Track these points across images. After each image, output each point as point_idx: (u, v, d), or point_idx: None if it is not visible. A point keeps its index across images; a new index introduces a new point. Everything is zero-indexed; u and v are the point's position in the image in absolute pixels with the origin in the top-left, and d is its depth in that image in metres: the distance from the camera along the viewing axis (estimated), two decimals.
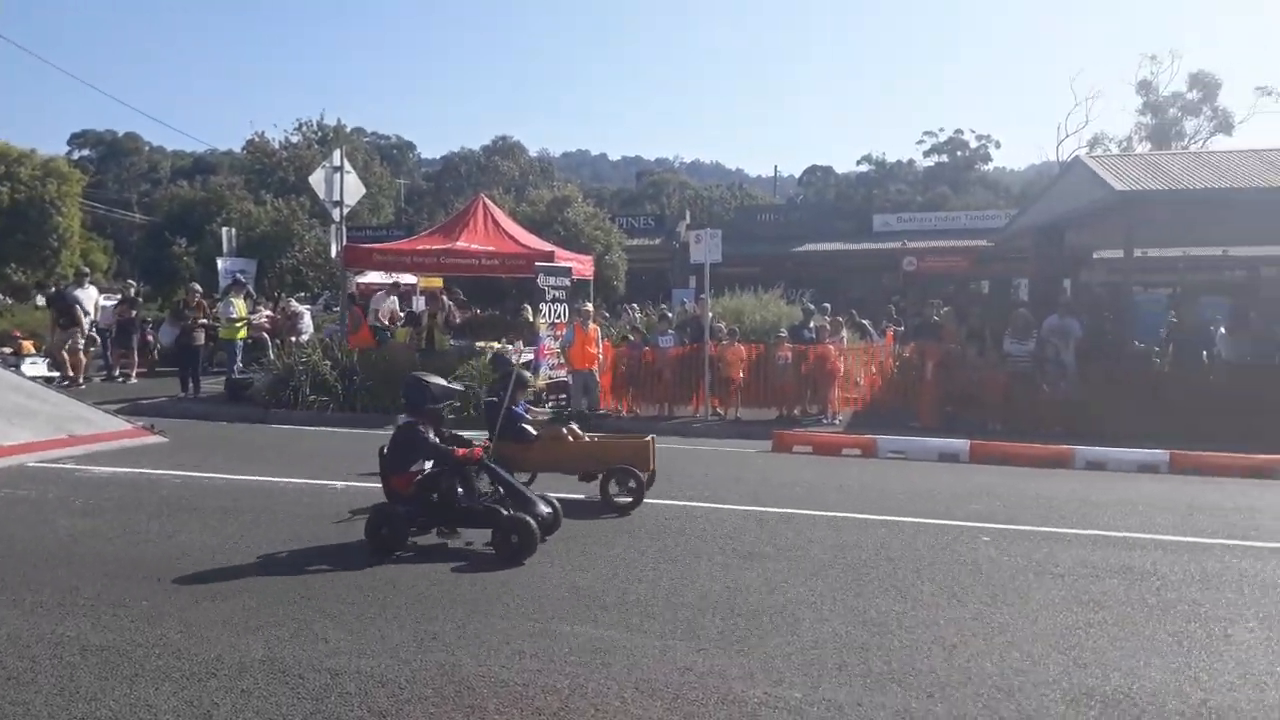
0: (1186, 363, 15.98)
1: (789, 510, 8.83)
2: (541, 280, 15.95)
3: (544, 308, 15.95)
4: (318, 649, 5.21)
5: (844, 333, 17.86)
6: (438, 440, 7.30)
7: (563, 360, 15.68)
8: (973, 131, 65.38)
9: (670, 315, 20.15)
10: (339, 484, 9.73)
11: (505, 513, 7.06)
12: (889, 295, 31.50)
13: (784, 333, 17.25)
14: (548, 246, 18.47)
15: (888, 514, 8.74)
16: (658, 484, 9.27)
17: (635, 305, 25.90)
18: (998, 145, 65.86)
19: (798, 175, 77.98)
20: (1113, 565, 7.20)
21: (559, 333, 15.86)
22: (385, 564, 6.84)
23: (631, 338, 17.20)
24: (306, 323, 20.62)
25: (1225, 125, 52.62)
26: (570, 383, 15.41)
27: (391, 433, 7.62)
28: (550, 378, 15.85)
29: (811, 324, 17.37)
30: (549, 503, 7.45)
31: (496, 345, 17.32)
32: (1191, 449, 12.48)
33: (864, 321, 20.63)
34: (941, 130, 65.25)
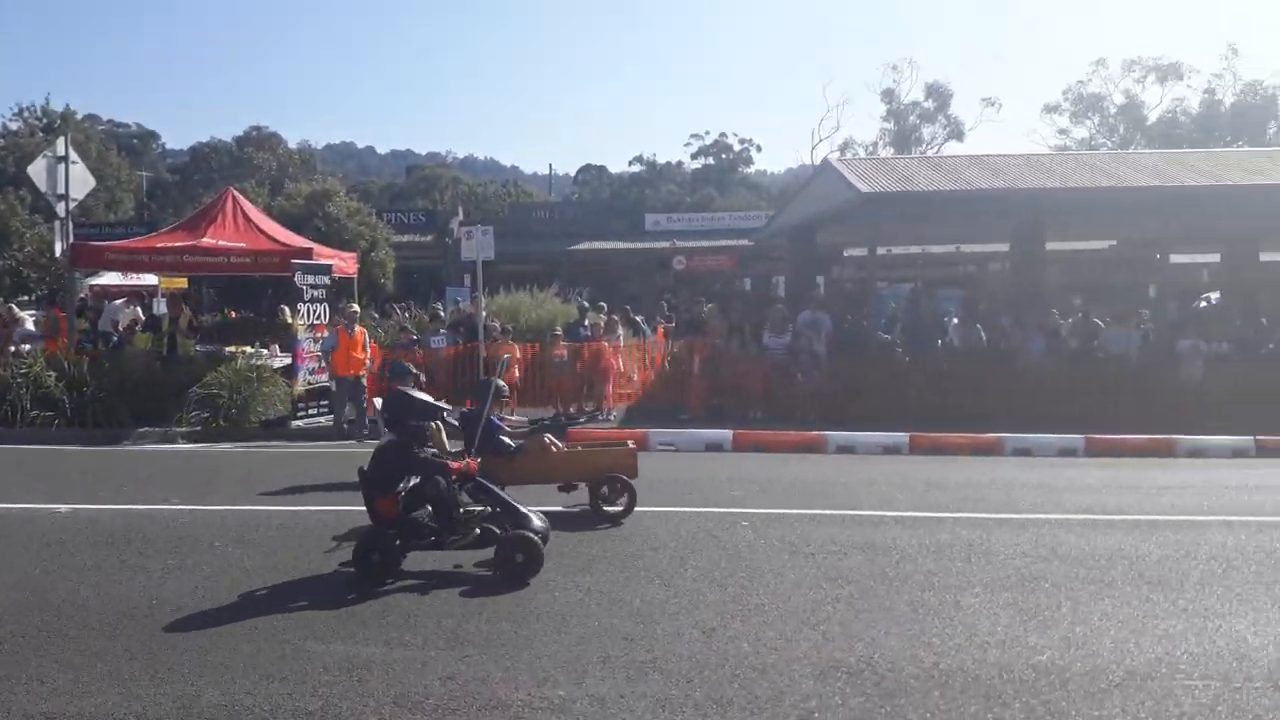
0: (923, 351, 17.40)
1: (560, 508, 8.84)
2: (299, 279, 15.10)
3: (302, 308, 15.11)
4: (33, 690, 4.65)
5: (619, 330, 18.15)
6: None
7: (324, 365, 14.95)
8: (736, 135, 68.49)
9: (443, 314, 19.71)
10: (62, 508, 8.81)
11: (504, 531, 6.69)
12: (661, 293, 32.39)
13: (559, 331, 17.30)
14: (306, 243, 17.55)
15: (656, 505, 8.93)
16: None
17: (403, 304, 25.14)
18: (759, 149, 69.47)
19: (573, 174, 78.58)
20: (858, 542, 7.70)
21: (319, 335, 15.10)
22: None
23: (400, 339, 16.65)
24: (28, 329, 18.52)
25: (957, 133, 58.08)
26: (334, 389, 14.72)
27: (372, 452, 7.00)
28: (310, 384, 15.03)
29: (586, 322, 17.52)
30: (541, 517, 7.03)
31: (249, 350, 16.27)
32: (928, 431, 13.60)
33: (638, 318, 21.07)
34: (707, 133, 68.00)
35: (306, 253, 16.30)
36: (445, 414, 7.43)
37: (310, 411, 15.05)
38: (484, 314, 16.40)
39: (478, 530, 6.74)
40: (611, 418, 16.11)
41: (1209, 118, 54.73)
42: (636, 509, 8.39)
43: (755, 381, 16.15)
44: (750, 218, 39.89)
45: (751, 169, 70.85)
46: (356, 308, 15.49)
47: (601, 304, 20.13)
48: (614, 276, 35.97)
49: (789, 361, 16.31)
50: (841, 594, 6.31)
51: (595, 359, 16.34)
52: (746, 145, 68.41)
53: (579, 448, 9.39)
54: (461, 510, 6.75)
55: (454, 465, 6.84)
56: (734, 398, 16.10)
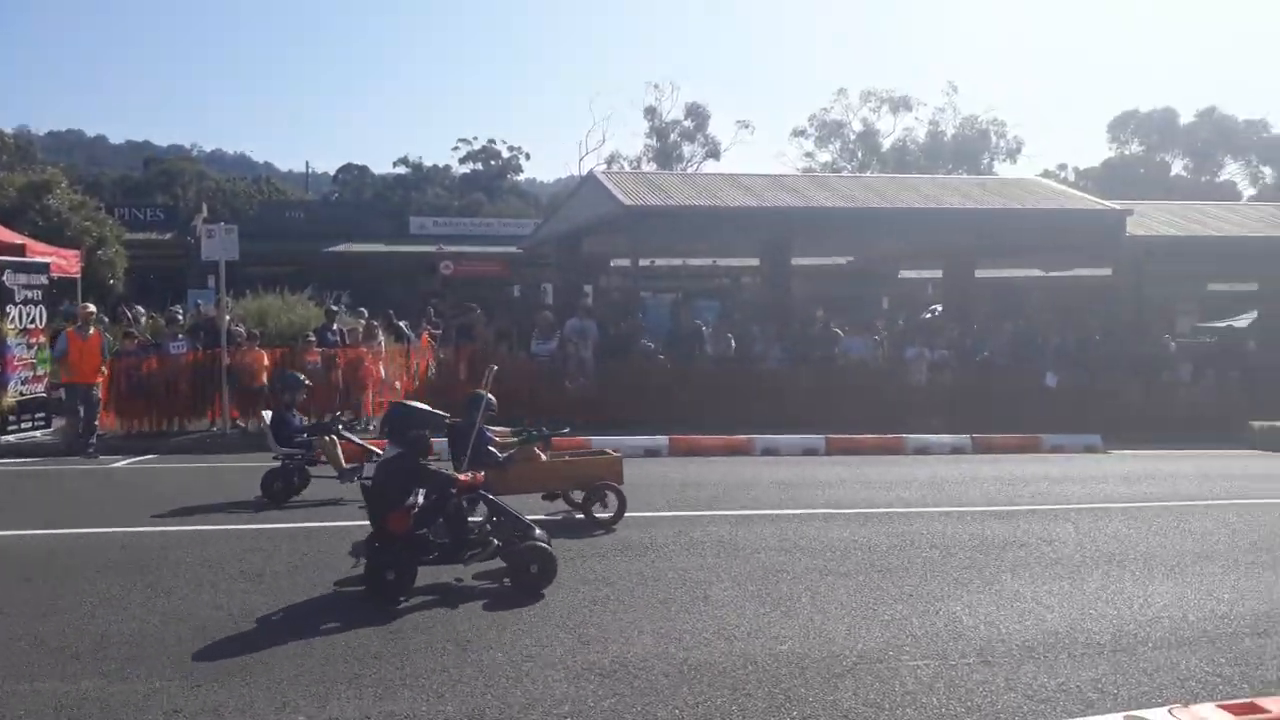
0: (682, 359, 18.01)
1: (309, 525, 8.39)
2: (9, 278, 13.47)
3: (13, 310, 13.49)
4: None
5: (380, 336, 17.51)
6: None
7: (42, 373, 13.41)
8: (505, 142, 68.16)
9: (181, 318, 18.23)
10: None
11: (512, 542, 6.52)
12: (427, 298, 31.63)
13: (312, 337, 16.46)
14: (18, 239, 15.71)
15: None
16: (140, 509, 8.30)
17: (132, 307, 22.98)
18: (528, 157, 69.41)
19: (332, 173, 75.20)
20: (616, 544, 7.83)
21: (34, 340, 13.54)
22: None
23: (124, 345, 15.18)
24: None
25: (714, 152, 60.82)
26: (64, 399, 13.24)
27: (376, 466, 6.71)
28: (21, 394, 13.43)
29: (335, 326, 16.76)
30: (540, 528, 6.89)
31: None
32: (687, 434, 14.09)
33: (401, 324, 20.42)
34: (476, 139, 67.18)
35: (20, 249, 14.62)
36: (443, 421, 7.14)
37: (24, 425, 13.47)
38: (227, 318, 15.30)
39: (497, 543, 6.55)
40: (371, 429, 15.52)
41: (934, 147, 60.58)
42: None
43: (521, 388, 16.09)
44: (519, 225, 39.82)
45: (521, 177, 70.79)
46: (91, 308, 14.03)
47: (361, 309, 19.36)
48: (377, 280, 34.72)
49: (557, 367, 16.39)
50: (599, 596, 6.37)
51: (354, 366, 15.68)
52: (516, 153, 68.28)
53: (565, 457, 9.42)
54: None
55: (462, 478, 6.62)
56: (500, 403, 15.93)
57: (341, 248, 37.71)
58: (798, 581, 6.79)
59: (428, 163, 68.73)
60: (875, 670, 5.10)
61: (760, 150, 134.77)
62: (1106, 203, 22.33)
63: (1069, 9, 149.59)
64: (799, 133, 63.22)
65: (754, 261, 24.57)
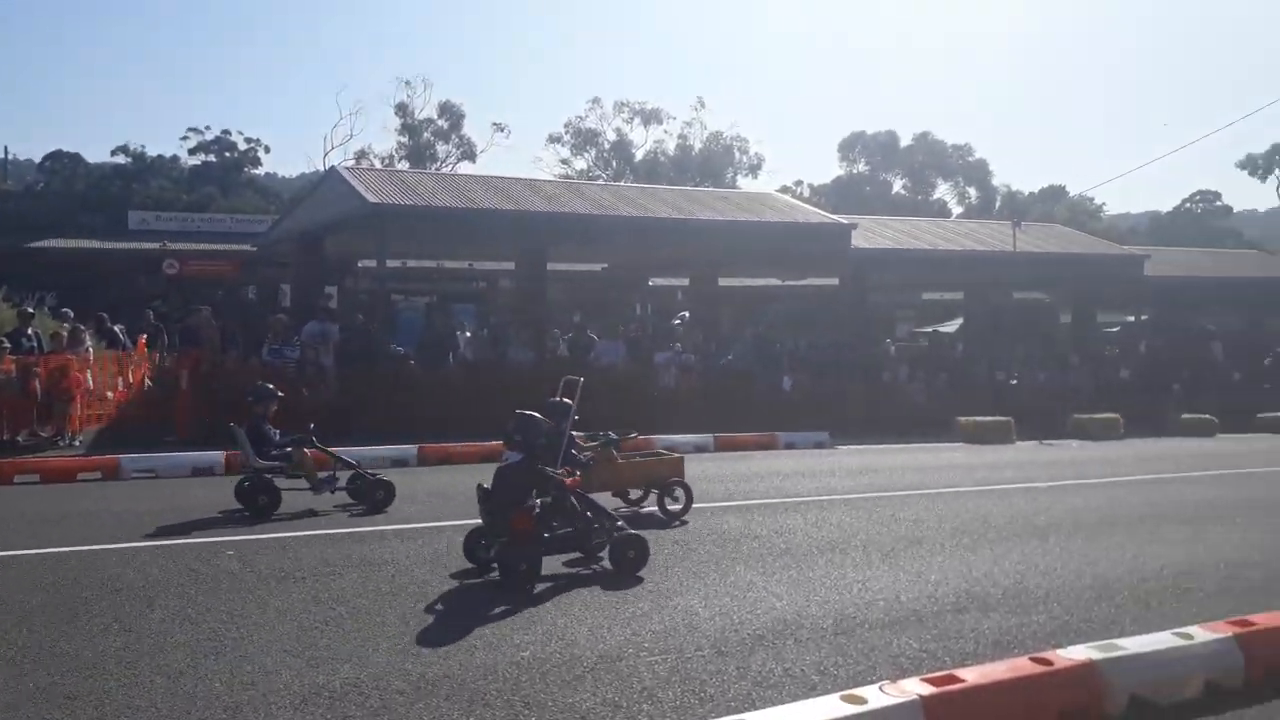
0: (435, 363, 17.58)
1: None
2: None
3: None
4: None
5: (88, 341, 15.81)
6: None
7: None
8: (241, 134, 63.86)
9: None
10: None
11: (620, 533, 7.27)
12: (149, 299, 28.96)
13: (6, 344, 14.60)
14: None
15: (117, 542, 7.82)
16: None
17: None
18: (267, 150, 65.07)
19: (38, 160, 67.39)
20: (354, 559, 7.44)
21: None
22: None
23: None
24: None
25: (469, 153, 60.06)
26: None
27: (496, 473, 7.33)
28: None
29: (31, 330, 14.96)
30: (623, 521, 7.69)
31: None
32: (438, 442, 13.71)
33: (116, 328, 18.56)
34: (208, 128, 62.41)
35: None
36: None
37: None
38: None
39: (614, 534, 7.25)
40: (78, 443, 13.98)
41: (683, 160, 63.03)
42: (82, 548, 7.46)
43: None
44: (256, 222, 37.40)
45: (260, 171, 66.52)
46: None
47: (66, 310, 17.42)
48: (91, 281, 31.41)
49: (295, 374, 15.47)
50: (332, 616, 6.01)
51: (57, 375, 14.05)
52: (254, 145, 64.04)
53: (636, 458, 10.12)
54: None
55: (570, 481, 7.55)
56: (231, 415, 14.82)
57: (48, 244, 33.86)
58: (542, 586, 6.73)
59: (152, 152, 62.96)
60: (615, 669, 5.12)
61: (518, 155, 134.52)
62: (835, 217, 24.09)
63: (806, 33, 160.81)
64: (555, 139, 63.81)
65: (509, 265, 24.43)
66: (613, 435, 9.62)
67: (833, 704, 4.03)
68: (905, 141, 73.44)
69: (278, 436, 9.96)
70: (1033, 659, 4.63)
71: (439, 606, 6.24)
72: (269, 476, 9.40)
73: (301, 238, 22.22)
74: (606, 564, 7.20)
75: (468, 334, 19.85)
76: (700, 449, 15.44)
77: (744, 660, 5.28)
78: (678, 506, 9.50)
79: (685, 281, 28.66)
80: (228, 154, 62.50)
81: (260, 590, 6.56)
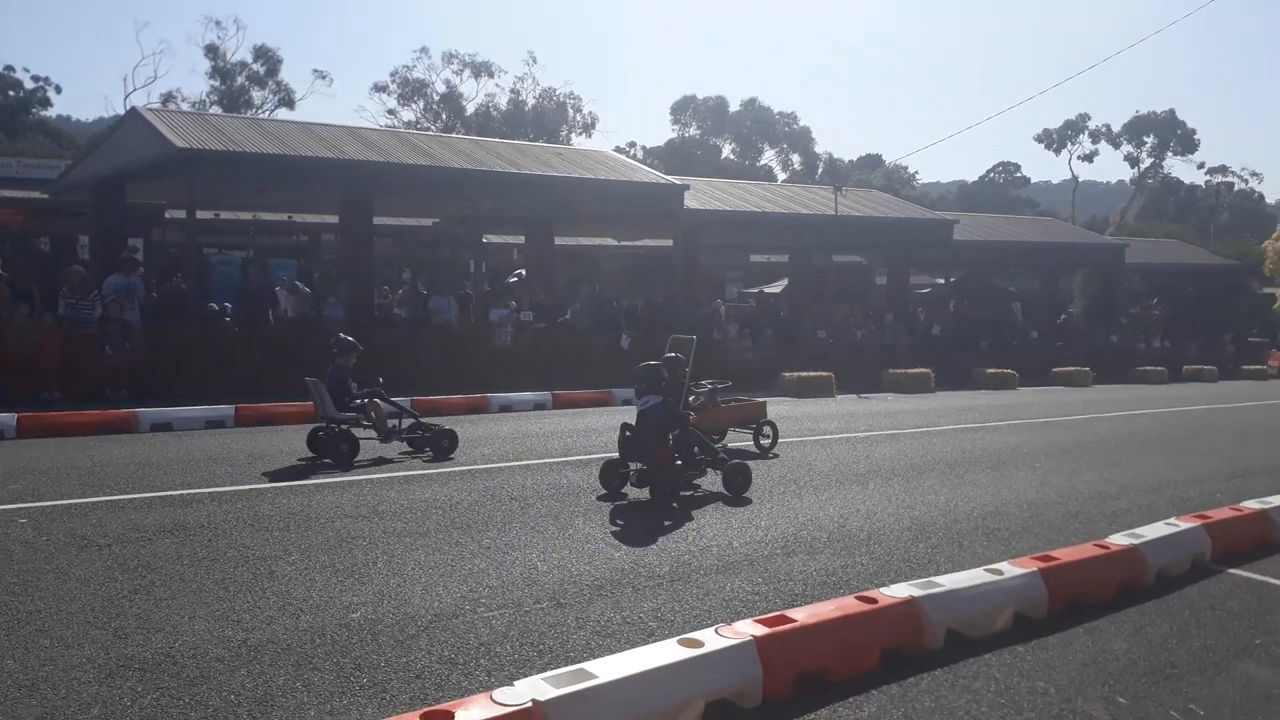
0: (254, 321, 16.63)
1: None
2: None
3: None
4: None
5: None
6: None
7: None
8: (28, 71, 58.20)
9: None
10: None
11: (731, 461, 8.82)
12: None
13: None
14: None
15: None
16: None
17: None
18: (58, 90, 59.73)
19: None
20: (166, 525, 6.95)
21: None
22: None
23: None
24: None
25: (288, 100, 56.97)
26: None
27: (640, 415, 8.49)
28: None
29: None
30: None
31: None
32: (255, 403, 13.01)
33: None
34: None
35: None
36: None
37: None
38: None
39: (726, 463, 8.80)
40: None
41: (515, 115, 62.00)
42: None
43: (51, 355, 13.83)
44: (47, 167, 34.08)
45: (51, 112, 60.83)
46: None
47: None
48: None
49: (96, 332, 14.29)
50: (141, 584, 5.58)
51: None
52: (42, 85, 58.51)
53: (731, 402, 11.80)
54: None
55: (693, 418, 8.88)
56: (23, 375, 13.58)
57: None
58: (374, 547, 6.50)
59: None
60: (451, 626, 5.00)
61: (341, 104, 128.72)
62: (669, 178, 24.28)
63: None
64: (380, 88, 61.47)
65: (332, 218, 23.32)
66: (717, 385, 11.39)
67: (670, 648, 4.07)
68: (734, 107, 75.00)
69: (355, 388, 10.39)
70: (858, 598, 4.83)
71: (260, 570, 5.91)
72: (346, 427, 9.91)
73: (100, 185, 20.42)
74: (718, 487, 8.65)
75: (284, 290, 18.77)
76: (539, 406, 15.35)
77: (583, 611, 5.27)
78: (767, 442, 11.43)
79: (520, 239, 28.28)
80: (12, 93, 56.82)
81: (59, 559, 6.02)
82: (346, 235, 20.50)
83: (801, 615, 4.52)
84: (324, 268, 23.72)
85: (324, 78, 71.20)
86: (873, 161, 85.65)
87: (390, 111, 61.35)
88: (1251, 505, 7.41)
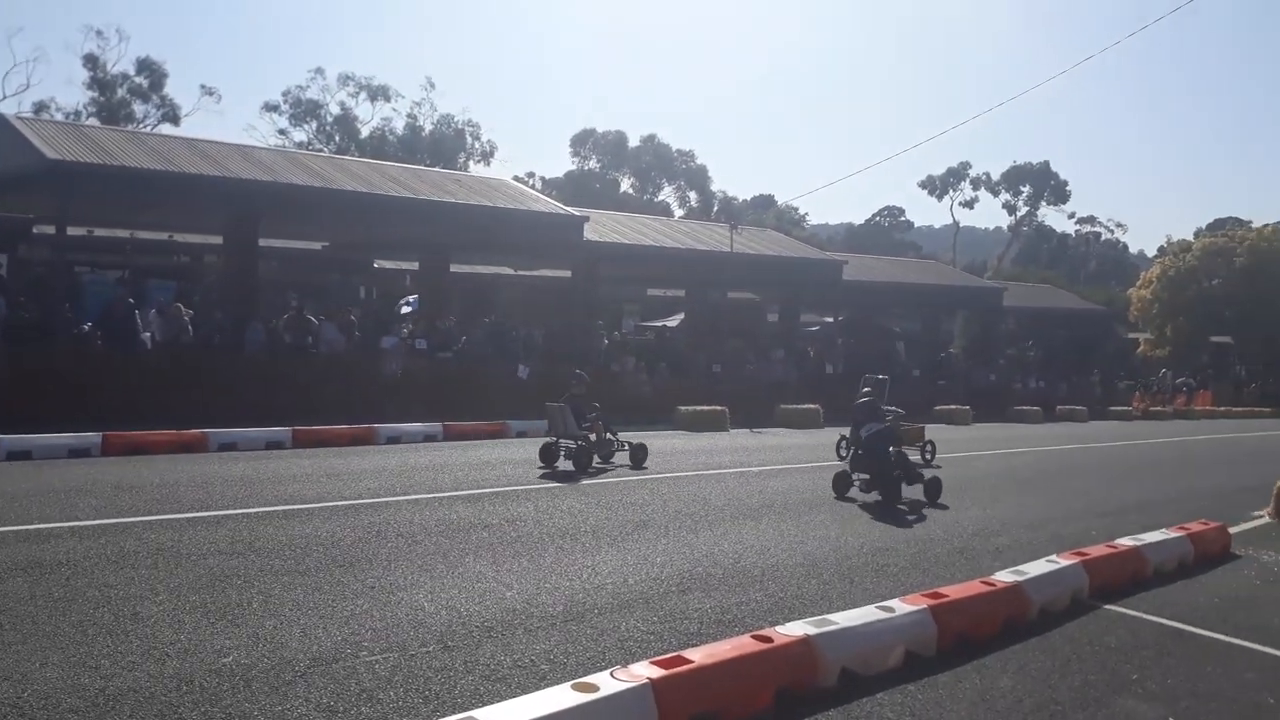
0: (122, 345, 15.78)
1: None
2: None
3: None
4: None
5: None
6: None
7: None
8: None
9: None
10: None
11: (927, 474, 11.40)
12: None
13: None
14: None
15: None
16: None
17: None
18: None
19: None
20: (20, 562, 6.43)
21: None
22: None
23: None
24: None
25: (172, 116, 54.84)
26: None
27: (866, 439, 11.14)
28: None
29: None
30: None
31: None
32: (126, 430, 12.31)
33: None
34: None
35: None
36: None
37: None
38: None
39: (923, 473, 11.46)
40: None
41: (412, 140, 61.18)
42: None
43: None
44: None
45: None
46: None
47: None
48: None
49: None
50: None
51: None
52: None
53: (906, 427, 14.39)
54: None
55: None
56: None
57: None
58: (249, 586, 6.14)
59: None
60: (330, 671, 4.73)
61: (229, 122, 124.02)
62: (568, 209, 24.28)
63: (541, 27, 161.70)
64: (272, 108, 59.76)
65: (216, 239, 22.43)
66: (899, 413, 13.64)
67: (563, 694, 3.93)
68: (634, 143, 75.79)
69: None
70: (754, 636, 4.78)
71: (124, 612, 5.50)
72: (582, 443, 12.53)
73: None
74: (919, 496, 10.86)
75: (155, 312, 17.74)
76: (430, 438, 14.97)
77: (472, 654, 5.07)
78: (930, 456, 14.99)
79: (414, 265, 27.74)
80: None
81: None
82: (230, 256, 19.72)
83: (698, 656, 4.44)
84: (205, 290, 22.75)
85: (212, 94, 68.76)
86: (766, 201, 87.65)
87: (281, 131, 59.76)
88: (1125, 542, 7.71)
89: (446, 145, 61.68)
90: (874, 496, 10.74)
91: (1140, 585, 7.29)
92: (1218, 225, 63.30)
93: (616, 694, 3.95)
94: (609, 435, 13.06)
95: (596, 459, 12.67)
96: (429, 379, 18.43)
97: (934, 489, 10.91)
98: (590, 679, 4.08)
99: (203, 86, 68.23)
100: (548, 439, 12.94)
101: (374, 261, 29.58)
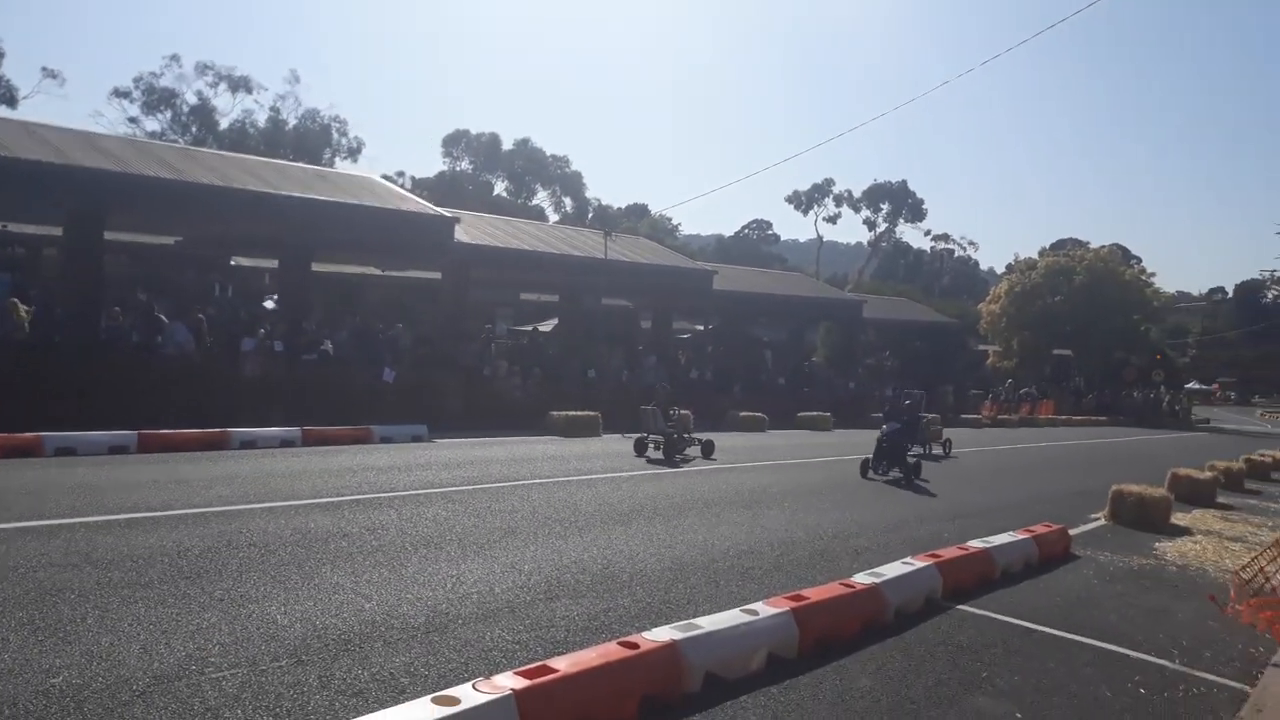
0: None
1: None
2: None
3: None
4: None
5: None
6: None
7: None
8: None
9: None
10: None
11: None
12: None
13: None
14: None
15: None
16: None
17: None
18: None
19: None
20: None
21: None
22: None
23: None
24: None
25: (8, 98, 51.29)
26: None
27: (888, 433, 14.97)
28: None
29: None
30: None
31: None
32: None
33: None
34: None
35: None
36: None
37: None
38: None
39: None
40: None
41: (275, 134, 58.94)
42: None
43: None
44: None
45: None
46: None
47: None
48: None
49: None
50: None
51: None
52: None
53: (932, 425, 19.64)
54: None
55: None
56: None
57: None
58: (84, 600, 5.72)
59: None
60: (173, 690, 4.45)
61: (73, 107, 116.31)
62: (439, 209, 23.78)
63: (414, 26, 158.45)
64: (122, 94, 56.54)
65: (56, 230, 20.94)
66: (935, 415, 18.43)
67: (423, 708, 3.81)
68: (508, 145, 75.20)
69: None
70: (620, 643, 4.75)
71: None
72: (668, 438, 15.94)
73: None
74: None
75: None
76: (287, 443, 14.37)
77: (327, 668, 4.86)
78: (949, 448, 20.02)
79: (274, 264, 26.65)
80: None
81: None
82: (72, 250, 18.44)
83: (563, 665, 4.37)
84: (42, 285, 21.23)
85: (54, 77, 64.31)
86: (639, 211, 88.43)
87: (132, 120, 56.60)
88: (975, 544, 8.07)
89: (311, 141, 59.69)
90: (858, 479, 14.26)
91: (989, 586, 7.64)
92: (1059, 245, 67.48)
93: (478, 706, 3.86)
94: (686, 435, 16.35)
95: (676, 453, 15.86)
96: (289, 382, 17.71)
97: (919, 469, 15.06)
98: (452, 691, 3.97)
99: (44, 69, 63.94)
100: (640, 435, 16.27)
101: (231, 258, 28.30)
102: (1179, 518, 12.32)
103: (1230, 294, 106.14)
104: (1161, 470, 15.48)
